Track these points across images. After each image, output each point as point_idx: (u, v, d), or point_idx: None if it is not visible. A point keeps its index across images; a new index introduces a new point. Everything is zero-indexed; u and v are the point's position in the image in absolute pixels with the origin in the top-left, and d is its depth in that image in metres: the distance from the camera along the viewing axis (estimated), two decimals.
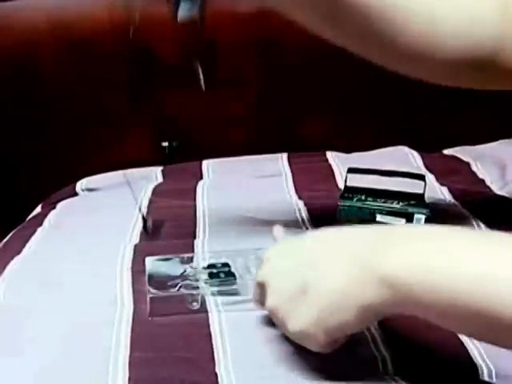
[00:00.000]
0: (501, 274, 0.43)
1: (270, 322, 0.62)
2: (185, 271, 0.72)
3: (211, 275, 0.70)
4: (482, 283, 0.43)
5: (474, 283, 0.43)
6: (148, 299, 0.68)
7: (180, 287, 0.68)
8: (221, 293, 0.69)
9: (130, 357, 0.60)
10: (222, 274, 0.70)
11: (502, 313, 0.42)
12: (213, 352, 0.61)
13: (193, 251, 0.79)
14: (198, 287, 0.69)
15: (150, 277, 0.70)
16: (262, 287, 0.57)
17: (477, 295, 0.43)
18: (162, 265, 0.73)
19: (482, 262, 0.44)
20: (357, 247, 0.50)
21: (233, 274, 0.70)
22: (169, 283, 0.69)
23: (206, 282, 0.70)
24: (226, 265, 0.72)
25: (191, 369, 0.58)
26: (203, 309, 0.68)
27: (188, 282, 0.70)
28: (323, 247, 0.53)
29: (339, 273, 0.49)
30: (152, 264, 0.73)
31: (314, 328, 0.51)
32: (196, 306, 0.68)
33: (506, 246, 0.45)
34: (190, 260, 0.74)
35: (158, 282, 0.69)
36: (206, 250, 0.80)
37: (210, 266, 0.72)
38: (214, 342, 0.62)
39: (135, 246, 0.83)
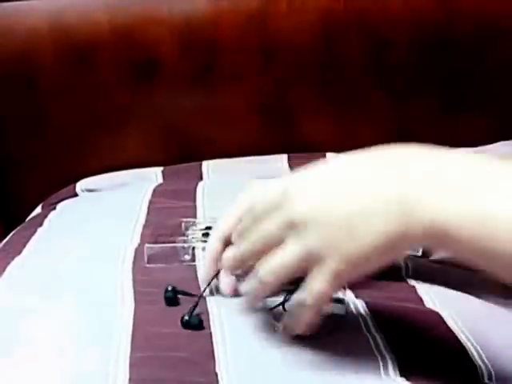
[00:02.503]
0: None
1: (271, 320, 0.63)
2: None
3: (205, 235, 0.76)
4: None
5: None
6: (145, 249, 0.76)
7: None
8: None
9: (131, 357, 0.60)
10: None
11: None
12: (213, 351, 0.61)
13: (193, 252, 0.79)
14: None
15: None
16: (294, 225, 0.52)
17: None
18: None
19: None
20: (399, 187, 0.49)
21: None
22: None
23: (198, 240, 0.77)
24: None
25: (191, 369, 0.58)
26: (193, 260, 0.76)
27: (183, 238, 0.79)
28: (361, 185, 0.51)
29: (381, 217, 0.50)
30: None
31: (353, 267, 0.52)
32: (188, 257, 0.75)
33: None
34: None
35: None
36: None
37: (207, 228, 0.78)
38: (214, 341, 0.62)
39: (136, 247, 0.83)
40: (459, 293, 0.70)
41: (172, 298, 0.68)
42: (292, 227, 0.52)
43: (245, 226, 0.57)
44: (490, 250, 0.46)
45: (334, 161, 0.56)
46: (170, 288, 0.68)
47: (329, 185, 0.53)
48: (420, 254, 0.78)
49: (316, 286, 0.53)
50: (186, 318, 0.64)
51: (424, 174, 0.49)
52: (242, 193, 0.63)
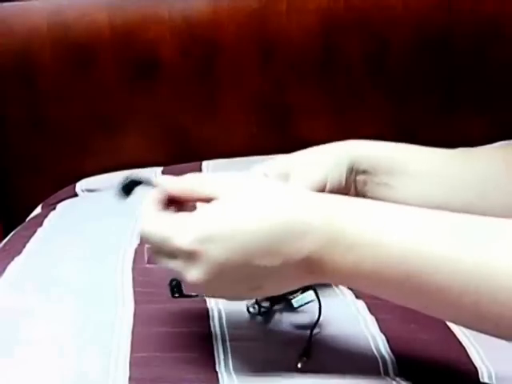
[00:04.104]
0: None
1: (271, 319, 0.63)
2: None
3: None
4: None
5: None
6: (145, 249, 0.75)
7: None
8: None
9: (131, 357, 0.60)
10: None
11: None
12: (213, 350, 0.61)
13: None
14: None
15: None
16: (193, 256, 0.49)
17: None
18: None
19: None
20: (307, 252, 0.48)
21: None
22: None
23: None
24: None
25: (192, 368, 0.58)
26: None
27: None
28: (271, 253, 0.48)
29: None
30: None
31: None
32: None
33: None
34: None
35: None
36: None
37: None
38: (214, 341, 0.62)
39: (136, 247, 0.83)
40: None
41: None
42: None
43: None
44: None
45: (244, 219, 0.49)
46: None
47: (236, 252, 0.48)
48: None
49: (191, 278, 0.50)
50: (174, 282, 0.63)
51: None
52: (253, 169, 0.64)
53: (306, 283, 0.52)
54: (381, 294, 0.49)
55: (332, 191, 0.60)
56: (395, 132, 1.25)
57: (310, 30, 1.19)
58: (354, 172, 0.63)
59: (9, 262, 0.82)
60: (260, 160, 1.18)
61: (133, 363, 0.59)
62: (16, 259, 0.83)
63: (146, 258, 0.78)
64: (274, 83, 1.22)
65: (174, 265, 0.50)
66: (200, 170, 1.16)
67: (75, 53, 1.16)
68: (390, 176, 0.62)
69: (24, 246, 0.88)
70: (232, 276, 0.49)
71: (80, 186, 1.15)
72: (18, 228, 1.03)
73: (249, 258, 0.47)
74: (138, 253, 0.81)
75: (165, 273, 0.74)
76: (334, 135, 1.24)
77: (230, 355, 0.60)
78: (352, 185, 0.63)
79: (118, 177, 1.14)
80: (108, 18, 1.15)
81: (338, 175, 0.62)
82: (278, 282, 0.49)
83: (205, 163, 1.18)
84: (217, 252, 0.48)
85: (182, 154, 1.22)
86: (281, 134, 1.25)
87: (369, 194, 0.63)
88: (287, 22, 1.18)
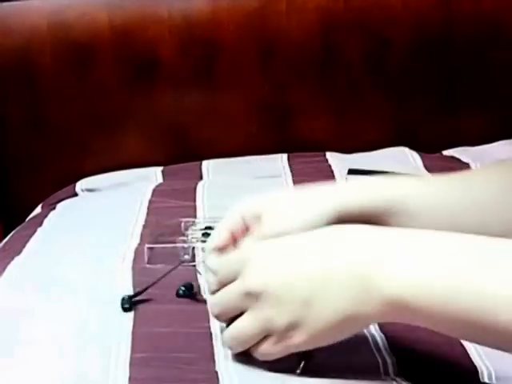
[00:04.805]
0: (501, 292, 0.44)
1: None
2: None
3: (205, 235, 0.77)
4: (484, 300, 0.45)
5: (474, 299, 0.45)
6: (145, 249, 0.77)
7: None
8: None
9: (131, 357, 0.60)
10: None
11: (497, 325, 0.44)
12: (213, 351, 0.61)
13: (193, 253, 0.79)
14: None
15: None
16: (252, 296, 0.53)
17: (476, 311, 0.45)
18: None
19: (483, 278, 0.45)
20: (355, 265, 0.50)
21: None
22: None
23: (198, 240, 0.78)
24: None
25: (192, 368, 0.58)
26: (193, 260, 0.76)
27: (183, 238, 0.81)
28: (321, 261, 0.52)
29: (340, 295, 0.50)
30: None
31: (314, 340, 0.53)
32: (187, 257, 0.76)
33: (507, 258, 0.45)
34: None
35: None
36: None
37: (207, 228, 0.81)
38: (214, 341, 0.62)
39: (136, 247, 0.83)
40: None
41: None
42: (251, 298, 0.53)
43: (210, 289, 0.58)
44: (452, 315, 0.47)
45: (296, 236, 0.55)
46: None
47: (290, 260, 0.53)
48: None
49: (270, 350, 0.54)
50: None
51: (380, 250, 0.50)
52: (233, 206, 0.63)
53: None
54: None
55: None
56: (395, 132, 1.25)
57: (309, 30, 1.19)
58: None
59: (9, 262, 0.82)
60: (260, 160, 1.19)
61: (133, 363, 0.59)
62: (16, 259, 0.83)
63: (145, 258, 0.78)
64: (274, 83, 1.22)
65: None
66: (200, 170, 1.16)
67: (75, 52, 1.16)
68: (386, 218, 0.60)
69: (24, 246, 0.88)
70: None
71: (80, 185, 1.15)
72: (18, 228, 1.03)
73: None
74: (137, 253, 0.81)
75: (164, 273, 0.74)
76: (334, 135, 1.26)
77: (229, 355, 0.60)
78: None
79: (118, 177, 1.16)
80: (108, 17, 1.15)
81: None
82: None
83: (205, 163, 1.18)
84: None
85: (182, 153, 1.22)
86: (281, 134, 1.25)
87: None
88: (287, 22, 1.18)
